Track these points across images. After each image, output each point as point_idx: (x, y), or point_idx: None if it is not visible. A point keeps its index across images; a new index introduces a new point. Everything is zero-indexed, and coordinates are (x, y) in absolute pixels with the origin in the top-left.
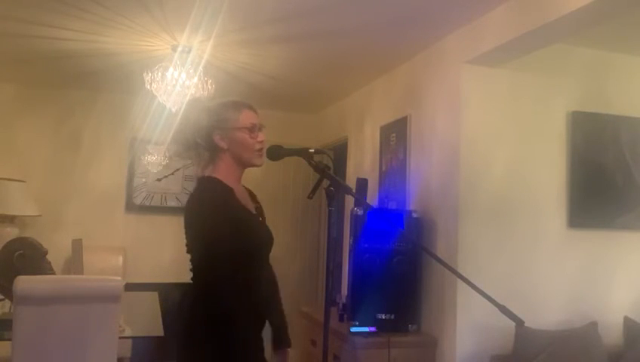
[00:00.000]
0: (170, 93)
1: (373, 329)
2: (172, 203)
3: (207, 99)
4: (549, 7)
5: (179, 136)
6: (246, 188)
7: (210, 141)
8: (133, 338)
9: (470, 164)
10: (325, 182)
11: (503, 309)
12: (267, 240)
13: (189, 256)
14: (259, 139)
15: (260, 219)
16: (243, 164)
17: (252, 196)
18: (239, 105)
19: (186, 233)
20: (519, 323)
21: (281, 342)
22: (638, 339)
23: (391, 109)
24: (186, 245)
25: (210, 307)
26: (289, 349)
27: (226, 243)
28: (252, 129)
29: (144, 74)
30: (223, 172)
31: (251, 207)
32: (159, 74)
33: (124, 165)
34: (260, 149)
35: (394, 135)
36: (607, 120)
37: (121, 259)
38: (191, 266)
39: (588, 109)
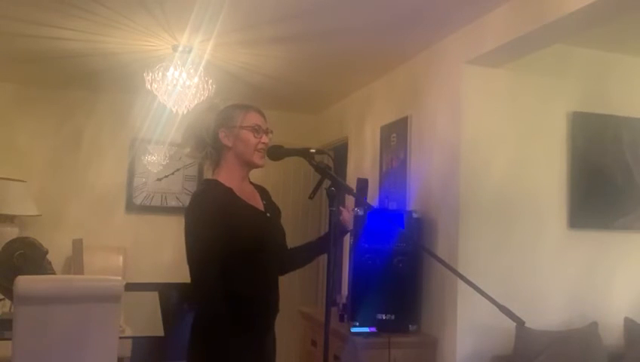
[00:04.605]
0: (171, 93)
1: (373, 329)
2: (172, 203)
3: (221, 101)
4: (550, 8)
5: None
6: (257, 185)
7: (216, 139)
8: (133, 338)
9: (471, 164)
10: (326, 183)
11: (504, 309)
12: (274, 237)
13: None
14: (262, 140)
15: (268, 215)
16: (246, 163)
17: (264, 194)
18: (247, 107)
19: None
20: (520, 323)
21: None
22: (638, 340)
23: (391, 109)
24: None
25: (198, 314)
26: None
27: (211, 251)
28: (256, 129)
29: (145, 74)
30: (226, 172)
31: (259, 204)
32: (160, 74)
33: (124, 165)
34: (262, 150)
35: (394, 135)
36: (608, 120)
37: (121, 259)
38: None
39: (588, 110)
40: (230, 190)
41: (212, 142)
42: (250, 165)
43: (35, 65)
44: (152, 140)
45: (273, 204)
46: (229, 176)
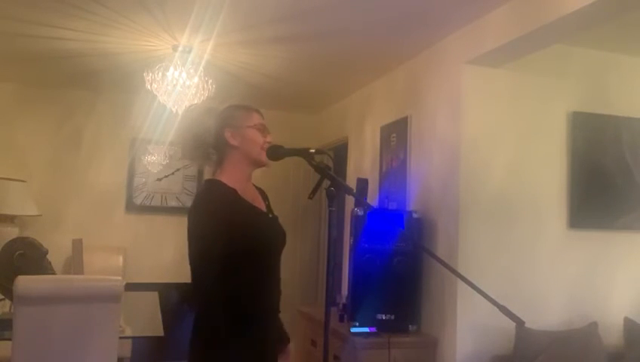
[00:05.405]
0: (171, 93)
1: (373, 329)
2: (172, 203)
3: (219, 105)
4: (550, 8)
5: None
6: (258, 187)
7: (221, 139)
8: (133, 338)
9: (471, 164)
10: (326, 183)
11: (504, 309)
12: (277, 238)
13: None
14: (267, 139)
15: (271, 216)
16: (252, 162)
17: (264, 196)
18: (249, 107)
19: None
20: (520, 323)
21: (281, 341)
22: (638, 340)
23: (391, 109)
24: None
25: (199, 315)
26: (289, 344)
27: (213, 251)
28: (262, 129)
29: (144, 74)
30: (230, 172)
31: (262, 205)
32: (160, 74)
33: (124, 165)
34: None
35: (394, 135)
36: (608, 120)
37: (121, 259)
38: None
39: (588, 110)
40: (234, 190)
41: (215, 143)
42: (256, 164)
43: (35, 65)
44: (152, 140)
45: (271, 208)
46: (232, 177)
